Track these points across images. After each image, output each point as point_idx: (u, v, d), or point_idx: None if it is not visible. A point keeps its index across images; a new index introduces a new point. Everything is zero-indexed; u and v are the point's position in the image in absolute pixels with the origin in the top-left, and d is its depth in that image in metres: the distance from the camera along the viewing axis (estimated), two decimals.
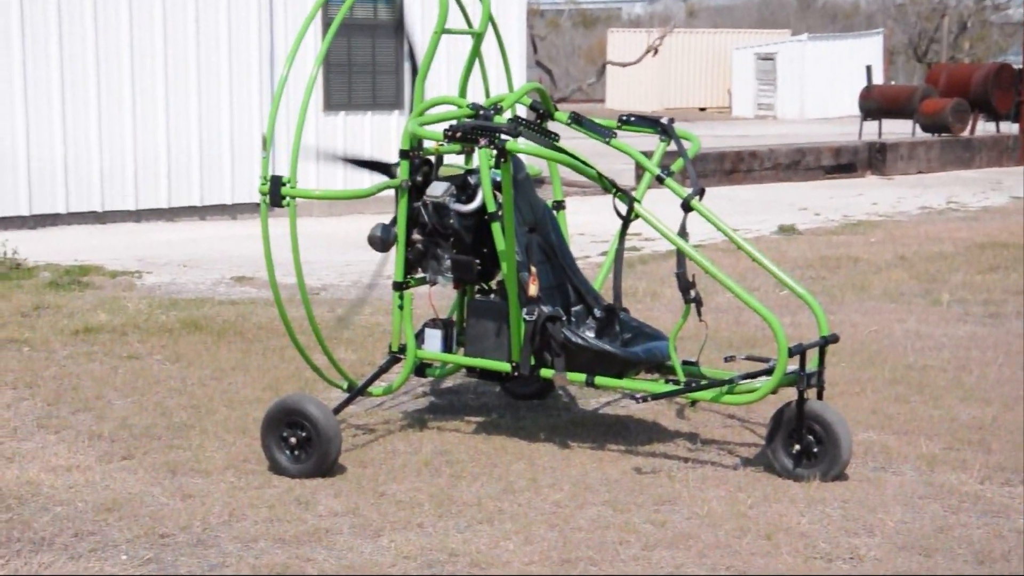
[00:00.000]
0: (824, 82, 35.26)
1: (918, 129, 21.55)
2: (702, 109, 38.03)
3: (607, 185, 5.66)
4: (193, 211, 13.62)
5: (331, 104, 14.35)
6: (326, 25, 13.42)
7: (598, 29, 50.57)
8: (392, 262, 6.04)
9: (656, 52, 33.13)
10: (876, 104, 22.09)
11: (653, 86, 37.37)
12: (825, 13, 57.46)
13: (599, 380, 5.69)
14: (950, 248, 11.80)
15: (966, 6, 44.75)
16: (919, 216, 14.45)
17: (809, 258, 11.12)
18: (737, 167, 17.77)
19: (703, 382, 5.65)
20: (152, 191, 13.34)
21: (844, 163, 18.97)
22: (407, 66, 14.49)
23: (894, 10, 46.74)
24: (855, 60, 34.08)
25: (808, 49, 36.12)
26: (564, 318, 5.84)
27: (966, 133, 21.16)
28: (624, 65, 32.18)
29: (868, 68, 23.70)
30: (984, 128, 22.25)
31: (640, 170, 15.00)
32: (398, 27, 5.28)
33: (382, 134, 14.45)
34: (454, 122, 5.78)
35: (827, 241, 12.29)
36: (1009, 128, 22.17)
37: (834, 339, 5.57)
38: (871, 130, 22.02)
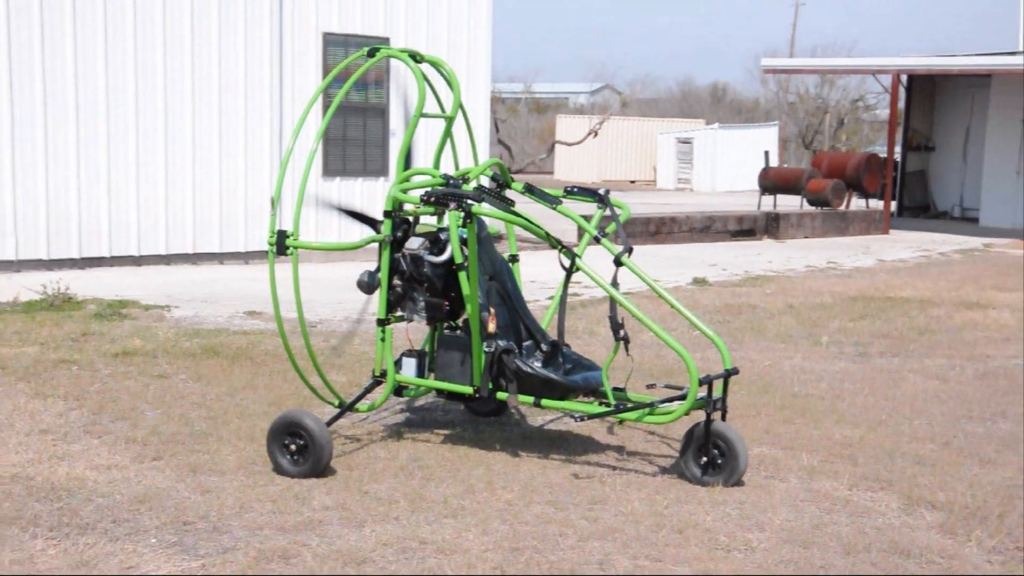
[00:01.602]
0: (731, 162, 35.55)
1: (805, 203, 21.76)
2: (632, 181, 38.19)
3: (554, 243, 5.71)
4: (214, 256, 13.57)
5: (329, 171, 14.36)
6: (325, 106, 13.46)
7: (549, 114, 50.81)
8: (376, 302, 6.06)
9: (596, 134, 33.35)
10: (772, 182, 22.29)
11: (593, 161, 37.51)
12: (732, 107, 57.96)
13: (545, 402, 5.72)
14: (829, 299, 11.88)
15: (843, 106, 45.36)
16: (805, 273, 14.54)
17: (717, 305, 11.17)
18: (660, 229, 17.88)
19: (630, 405, 5.68)
20: (179, 239, 13.28)
21: (746, 228, 19.10)
22: (391, 143, 14.55)
23: (787, 107, 47.27)
24: (756, 145, 34.47)
25: (719, 136, 36.42)
26: (517, 351, 5.86)
27: (842, 207, 21.36)
28: (570, 144, 32.37)
29: (766, 153, 23.94)
30: (856, 204, 22.50)
31: (581, 231, 15.08)
32: None
33: (370, 196, 14.47)
34: (429, 189, 5.82)
35: (732, 292, 12.34)
36: (876, 204, 22.46)
37: (735, 371, 5.62)
38: (768, 203, 22.22)
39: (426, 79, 6.19)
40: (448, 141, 6.49)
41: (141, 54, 12.81)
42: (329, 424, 5.71)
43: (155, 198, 13.06)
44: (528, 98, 57.30)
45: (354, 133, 14.46)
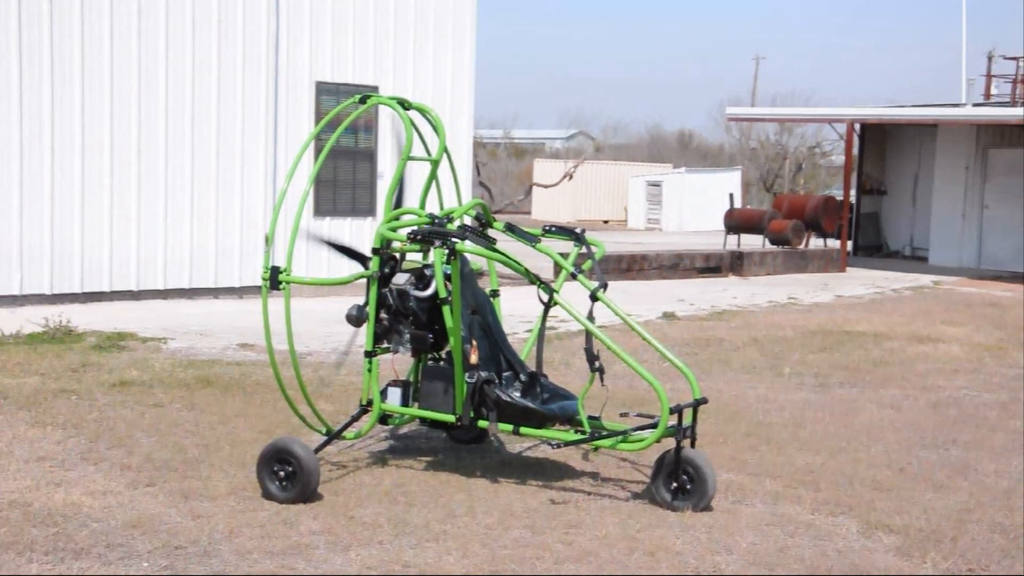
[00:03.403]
0: (697, 204, 35.67)
1: (767, 242, 21.83)
2: (605, 221, 38.26)
3: (533, 279, 5.67)
4: (209, 291, 13.44)
5: (320, 211, 14.28)
6: (317, 150, 13.41)
7: (526, 159, 50.99)
8: (363, 335, 5.99)
9: (571, 177, 33.36)
10: (736, 222, 22.36)
11: (568, 203, 37.56)
12: (698, 152, 58.34)
13: (524, 430, 5.65)
14: (790, 333, 11.85)
15: (801, 152, 45.72)
16: (768, 308, 14.51)
17: (686, 338, 11.13)
18: (632, 266, 17.87)
19: (604, 433, 5.62)
20: (177, 275, 13.16)
21: (712, 266, 19.13)
22: (379, 184, 14.52)
23: (749, 152, 47.63)
24: (720, 188, 34.62)
25: (686, 179, 36.58)
26: (497, 381, 5.80)
27: (802, 246, 21.43)
28: (546, 186, 32.36)
29: (731, 195, 24.07)
30: (815, 243, 22.59)
31: (558, 268, 15.07)
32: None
33: (359, 235, 14.40)
34: (416, 227, 5.78)
35: (699, 325, 12.30)
36: (833, 244, 22.55)
37: (704, 401, 5.58)
38: (733, 241, 22.28)
39: (413, 124, 6.16)
40: (434, 182, 6.45)
41: (144, 100, 12.74)
42: (317, 451, 5.61)
43: (154, 235, 12.95)
44: (507, 143, 57.50)
45: (344, 175, 14.41)
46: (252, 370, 8.62)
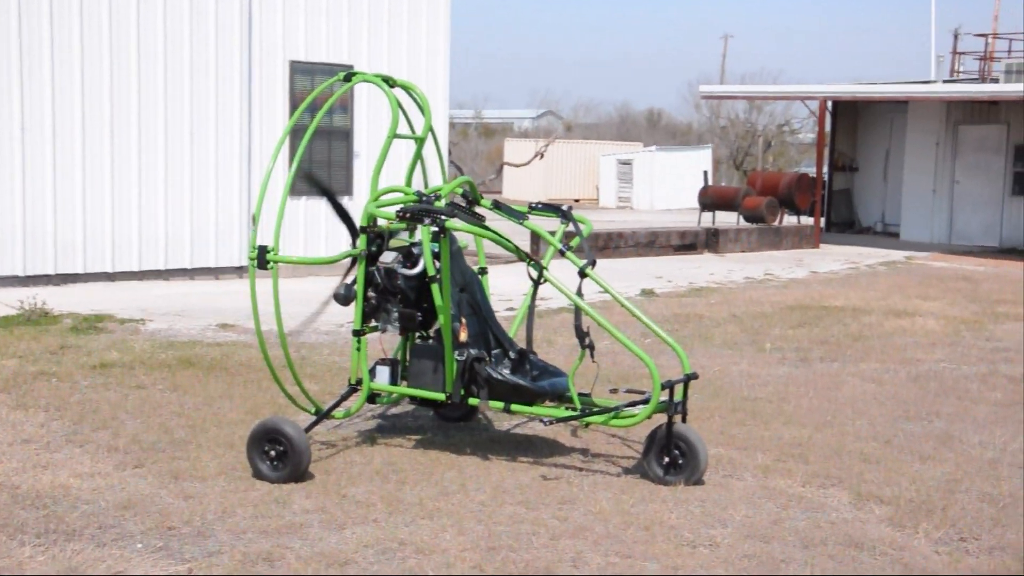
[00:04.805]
0: (668, 182, 35.73)
1: (741, 219, 21.91)
2: (576, 200, 38.22)
3: (522, 256, 5.65)
4: (184, 272, 13.32)
5: (295, 191, 14.04)
6: (293, 129, 13.27)
7: (496, 138, 50.89)
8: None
9: (542, 156, 33.30)
10: (711, 199, 22.43)
11: (539, 182, 37.51)
12: (667, 131, 58.39)
13: (514, 407, 5.64)
14: (769, 309, 11.90)
15: (770, 130, 45.91)
16: (744, 284, 14.56)
17: (665, 315, 11.12)
18: (608, 244, 17.87)
19: (595, 409, 5.62)
20: (152, 256, 13.02)
21: (688, 243, 19.17)
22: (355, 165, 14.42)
23: (719, 130, 47.78)
24: (691, 167, 34.73)
25: (656, 157, 36.60)
26: (487, 359, 5.79)
27: (776, 223, 21.54)
28: (517, 165, 32.28)
29: (705, 173, 24.16)
30: (788, 220, 22.71)
31: (535, 244, 15.03)
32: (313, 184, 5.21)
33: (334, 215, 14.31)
34: (404, 205, 5.74)
35: (678, 302, 12.32)
36: (807, 220, 22.68)
37: (695, 376, 5.60)
38: (707, 219, 22.36)
39: (399, 104, 6.11)
40: (419, 160, 6.40)
41: (116, 77, 12.57)
42: (307, 431, 5.57)
43: (128, 216, 12.80)
44: (477, 123, 57.33)
45: (319, 155, 14.29)
46: (233, 350, 8.56)
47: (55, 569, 4.17)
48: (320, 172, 14.31)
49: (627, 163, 36.68)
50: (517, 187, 37.71)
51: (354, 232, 5.92)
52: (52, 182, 12.21)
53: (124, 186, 12.75)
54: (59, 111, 12.21)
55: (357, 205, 14.26)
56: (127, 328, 9.56)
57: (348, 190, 14.51)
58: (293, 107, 13.90)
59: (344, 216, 6.01)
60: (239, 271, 13.55)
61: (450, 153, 34.17)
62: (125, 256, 12.81)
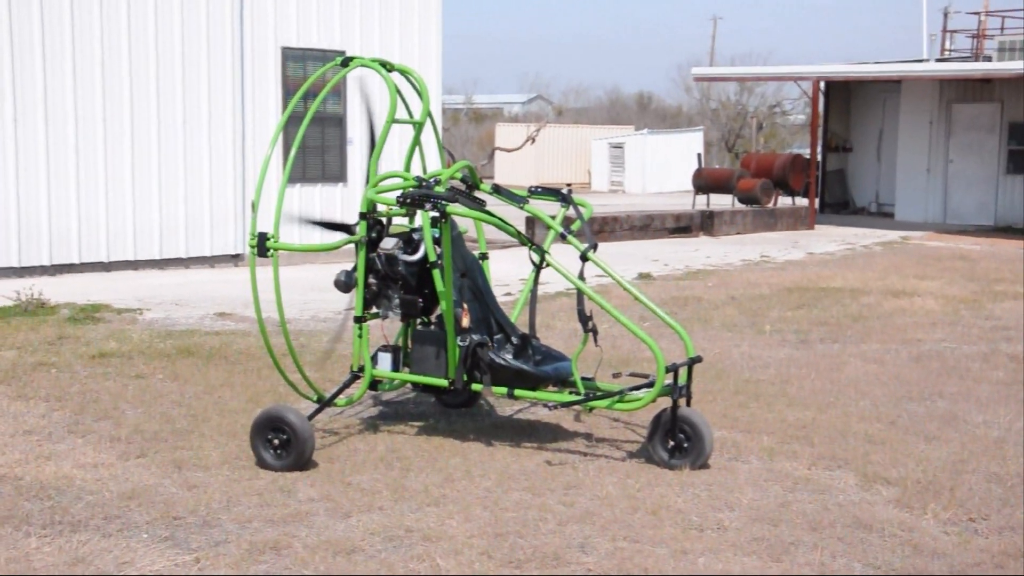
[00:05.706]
0: (660, 165, 35.64)
1: (736, 201, 21.88)
2: (568, 185, 38.13)
3: (524, 240, 5.61)
4: (180, 262, 13.26)
5: (290, 178, 14.09)
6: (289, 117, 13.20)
7: (487, 123, 50.75)
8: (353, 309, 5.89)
9: (534, 141, 33.19)
10: (705, 182, 22.37)
11: (531, 167, 37.40)
12: (657, 114, 58.23)
13: (518, 392, 5.62)
14: (767, 291, 11.88)
15: (761, 112, 45.84)
16: (741, 266, 14.53)
17: (663, 298, 11.08)
18: (603, 228, 17.82)
19: (599, 393, 5.60)
20: (147, 246, 12.96)
21: (683, 226, 19.14)
22: (361, 142, 14.34)
23: (710, 113, 47.68)
24: (683, 149, 34.67)
25: (648, 141, 36.51)
26: (489, 344, 5.76)
27: (771, 205, 21.51)
28: (509, 150, 32.18)
29: (699, 155, 24.06)
30: (783, 201, 22.68)
31: (531, 227, 14.98)
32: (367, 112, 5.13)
33: (329, 201, 14.26)
34: (405, 190, 5.69)
35: (675, 285, 12.29)
36: (801, 202, 22.65)
37: (699, 360, 5.57)
38: (701, 201, 22.31)
39: (396, 88, 6.06)
40: (417, 145, 6.36)
41: (108, 65, 12.48)
42: (310, 419, 5.54)
43: (123, 205, 12.74)
44: (468, 108, 57.16)
45: (313, 142, 14.22)
46: (232, 339, 8.52)
47: (62, 560, 4.14)
48: (314, 159, 14.24)
49: (619, 147, 36.58)
50: (509, 172, 37.59)
51: (347, 229, 5.87)
52: (46, 172, 12.14)
53: (118, 175, 12.68)
54: (51, 101, 12.13)
55: (352, 192, 14.22)
56: (124, 318, 9.51)
57: (342, 177, 14.45)
58: (286, 93, 13.82)
59: (338, 227, 5.96)
60: (234, 259, 13.49)
61: (440, 138, 34.02)
62: (120, 246, 12.75)
